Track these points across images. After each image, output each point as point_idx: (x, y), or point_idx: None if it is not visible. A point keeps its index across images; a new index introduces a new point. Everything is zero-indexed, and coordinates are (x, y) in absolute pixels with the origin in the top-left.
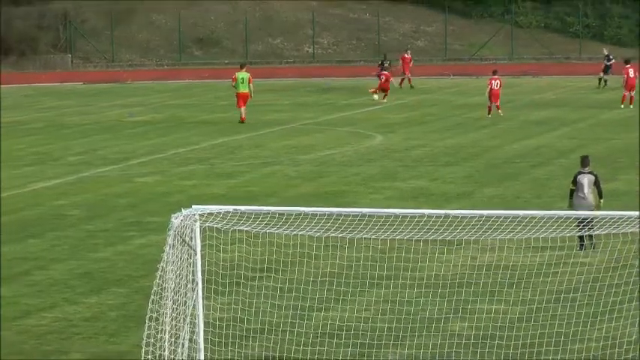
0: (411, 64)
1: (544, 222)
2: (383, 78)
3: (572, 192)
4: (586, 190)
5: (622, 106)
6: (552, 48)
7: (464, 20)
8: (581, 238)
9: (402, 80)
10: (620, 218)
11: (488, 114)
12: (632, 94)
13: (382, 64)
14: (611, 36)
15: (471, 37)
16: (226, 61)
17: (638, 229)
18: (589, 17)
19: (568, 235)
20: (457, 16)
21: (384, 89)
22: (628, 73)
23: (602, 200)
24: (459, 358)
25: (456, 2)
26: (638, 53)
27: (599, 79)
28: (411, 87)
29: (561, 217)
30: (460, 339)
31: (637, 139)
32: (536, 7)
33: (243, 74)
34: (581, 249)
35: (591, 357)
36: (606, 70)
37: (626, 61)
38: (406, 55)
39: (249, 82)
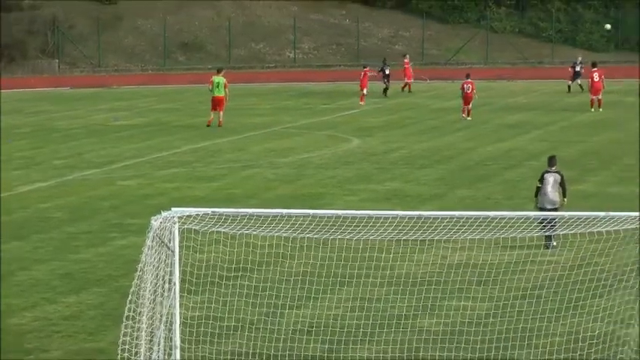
0: (410, 70)
1: (513, 222)
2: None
3: (538, 189)
4: (550, 189)
5: (592, 109)
6: (526, 52)
7: (441, 25)
8: (546, 237)
9: (405, 85)
10: (587, 218)
11: (466, 116)
12: (599, 97)
13: (383, 69)
14: (583, 41)
15: (448, 42)
16: (209, 66)
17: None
18: (561, 22)
19: (536, 234)
20: (434, 21)
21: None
22: (592, 77)
23: (565, 199)
24: (428, 354)
25: (434, 8)
26: (609, 58)
27: (569, 86)
28: (409, 91)
29: (530, 218)
30: (429, 335)
31: (606, 142)
32: (510, 12)
33: (219, 79)
34: (547, 248)
35: (555, 351)
36: (576, 76)
37: (593, 64)
38: (406, 60)
39: (224, 87)
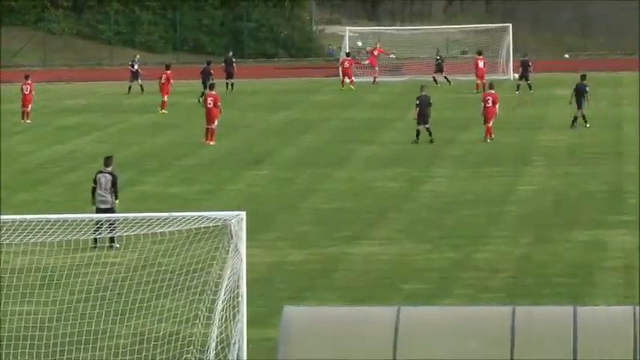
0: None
1: (75, 224)
2: None
3: (93, 190)
4: (103, 189)
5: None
6: (84, 54)
7: None
8: (110, 239)
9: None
10: (150, 219)
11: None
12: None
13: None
14: (142, 42)
15: (6, 44)
16: None
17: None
18: (120, 24)
19: (100, 236)
20: None
21: None
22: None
23: (117, 201)
24: None
25: None
26: (169, 59)
27: (129, 87)
28: None
29: (92, 220)
30: None
31: (166, 143)
32: (68, 14)
33: None
34: (111, 249)
35: (120, 353)
36: (134, 76)
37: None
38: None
39: None
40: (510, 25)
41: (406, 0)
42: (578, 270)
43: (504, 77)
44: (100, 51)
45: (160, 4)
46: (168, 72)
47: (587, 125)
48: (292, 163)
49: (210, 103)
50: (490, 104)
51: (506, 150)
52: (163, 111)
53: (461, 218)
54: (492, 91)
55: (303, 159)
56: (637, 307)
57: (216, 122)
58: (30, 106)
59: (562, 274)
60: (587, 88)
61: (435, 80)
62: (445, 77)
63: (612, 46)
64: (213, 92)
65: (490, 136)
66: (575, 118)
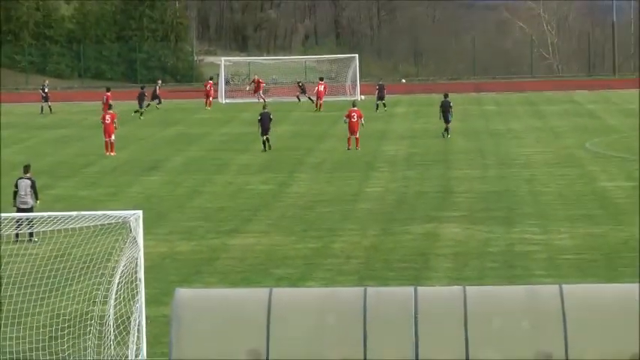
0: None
1: (0, 222)
2: None
3: (15, 193)
4: (23, 192)
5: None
6: (4, 80)
7: None
8: (17, 235)
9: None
10: (62, 217)
11: None
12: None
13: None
14: (52, 70)
15: None
16: None
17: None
18: (33, 55)
19: (20, 232)
20: None
21: None
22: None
23: (38, 201)
24: None
25: None
26: (77, 84)
27: (42, 107)
28: None
29: (15, 218)
30: None
31: (72, 154)
32: None
33: None
34: (16, 241)
35: (39, 328)
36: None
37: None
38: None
39: None
40: (357, 55)
41: (271, 34)
42: (417, 257)
43: (352, 98)
44: (17, 77)
45: (66, 38)
46: (109, 94)
47: (449, 136)
48: (181, 169)
49: (107, 120)
50: (355, 119)
51: (357, 158)
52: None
53: (320, 214)
54: (356, 108)
55: (189, 166)
56: (465, 287)
57: (113, 136)
58: None
59: (404, 260)
60: (451, 104)
61: (299, 99)
62: (309, 97)
63: (440, 72)
64: (111, 111)
65: (357, 146)
66: (446, 130)
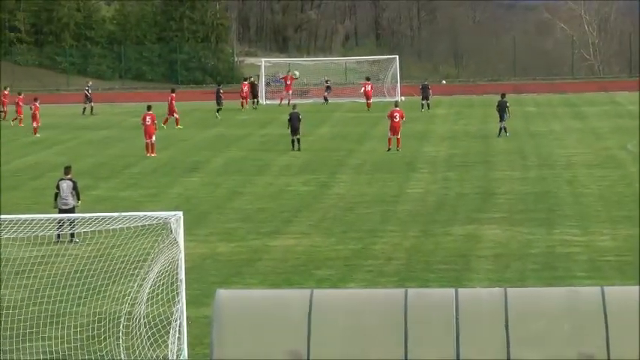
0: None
1: (42, 223)
2: None
3: (56, 195)
4: (65, 194)
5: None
6: (45, 81)
7: None
8: (58, 235)
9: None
10: (104, 218)
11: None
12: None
13: None
14: (93, 71)
15: None
16: None
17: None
18: (74, 57)
19: (62, 232)
20: None
21: None
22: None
23: (80, 202)
24: None
25: None
26: (117, 85)
27: (84, 109)
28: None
29: (56, 219)
30: None
31: (114, 155)
32: (31, 48)
33: None
34: (57, 242)
35: (80, 329)
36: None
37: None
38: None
39: None
40: (397, 56)
41: (311, 35)
42: (458, 259)
43: (391, 99)
44: (58, 78)
45: (107, 39)
46: (174, 94)
47: (508, 134)
48: (221, 170)
49: (148, 121)
50: (397, 119)
51: (397, 159)
52: (179, 127)
53: (360, 216)
54: (398, 108)
55: (229, 167)
56: (506, 289)
57: (154, 137)
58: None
59: (445, 261)
60: (508, 104)
61: (326, 99)
62: (325, 98)
63: (481, 73)
64: (151, 112)
65: (398, 147)
66: (500, 129)
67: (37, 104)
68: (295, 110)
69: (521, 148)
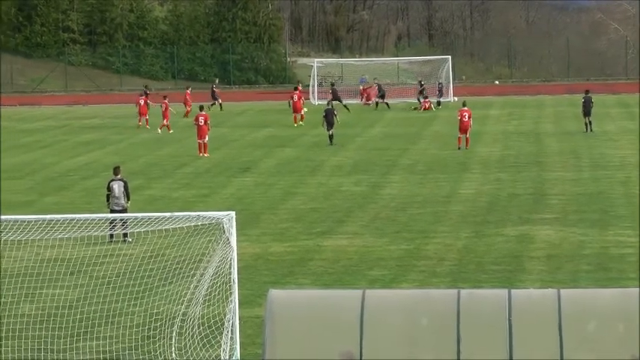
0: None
1: (95, 223)
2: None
3: (108, 196)
4: (117, 194)
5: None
6: (98, 81)
7: (26, 60)
8: (111, 235)
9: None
10: (157, 218)
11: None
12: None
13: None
14: (146, 71)
15: (32, 74)
16: None
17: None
18: (127, 57)
19: (115, 232)
20: (20, 57)
21: None
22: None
23: (129, 202)
24: (29, 334)
25: (20, 45)
26: (170, 85)
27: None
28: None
29: (109, 219)
30: (29, 318)
31: (166, 155)
32: (84, 49)
33: None
34: (124, 243)
35: (134, 328)
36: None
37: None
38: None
39: None
40: (450, 56)
41: (363, 36)
42: (510, 259)
43: (445, 100)
44: (111, 79)
45: (159, 40)
46: (166, 101)
47: (593, 130)
48: (273, 171)
49: (201, 122)
50: (467, 118)
51: (449, 159)
52: (159, 130)
53: (412, 216)
54: (466, 108)
55: (282, 168)
56: (560, 290)
57: (207, 137)
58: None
59: (497, 262)
60: (592, 100)
61: (387, 105)
62: (344, 105)
63: (534, 74)
64: (204, 112)
65: (467, 146)
66: (586, 124)
67: (166, 102)
68: (329, 107)
69: (574, 148)
